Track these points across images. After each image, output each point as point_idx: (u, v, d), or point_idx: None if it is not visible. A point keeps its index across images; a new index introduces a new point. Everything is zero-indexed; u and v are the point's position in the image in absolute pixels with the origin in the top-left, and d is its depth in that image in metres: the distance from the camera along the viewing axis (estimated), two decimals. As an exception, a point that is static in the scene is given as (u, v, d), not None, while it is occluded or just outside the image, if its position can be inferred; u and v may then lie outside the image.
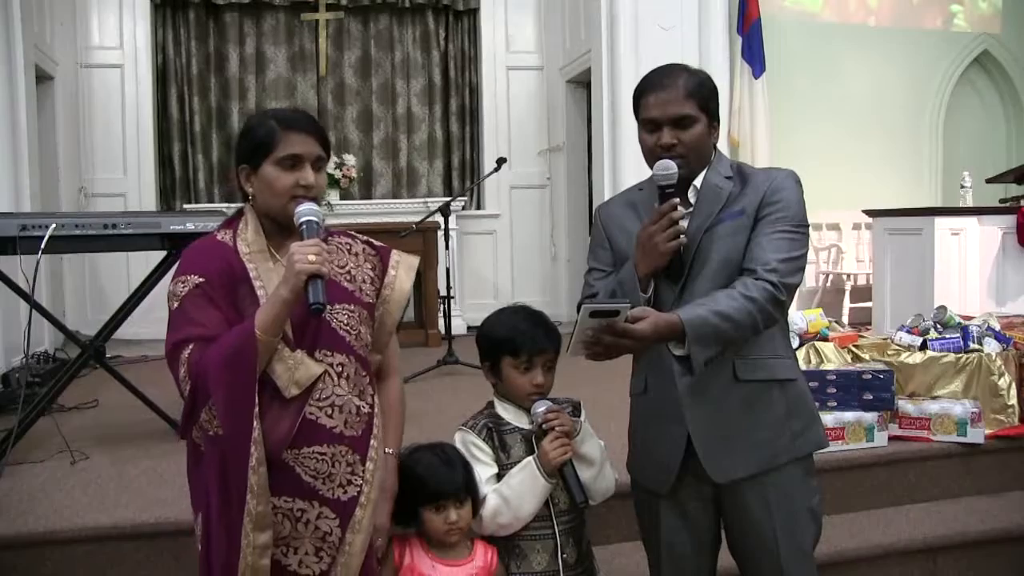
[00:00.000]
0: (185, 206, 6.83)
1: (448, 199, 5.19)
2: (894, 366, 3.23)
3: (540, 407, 1.88)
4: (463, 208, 6.84)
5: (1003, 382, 3.21)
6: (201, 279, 1.66)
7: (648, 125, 1.79)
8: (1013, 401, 3.22)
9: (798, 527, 1.81)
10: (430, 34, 7.37)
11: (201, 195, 6.97)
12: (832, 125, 6.54)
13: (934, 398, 3.21)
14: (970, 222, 4.95)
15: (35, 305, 3.06)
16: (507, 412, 1.96)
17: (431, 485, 1.82)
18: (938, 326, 3.46)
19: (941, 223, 4.89)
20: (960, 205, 5.38)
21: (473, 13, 7.37)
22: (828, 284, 6.41)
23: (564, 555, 1.90)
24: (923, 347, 3.34)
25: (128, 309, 3.39)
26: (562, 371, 1.98)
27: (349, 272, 1.77)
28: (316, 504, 1.65)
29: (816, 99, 6.55)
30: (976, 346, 3.31)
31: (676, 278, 1.76)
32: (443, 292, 5.09)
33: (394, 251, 1.89)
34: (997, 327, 3.50)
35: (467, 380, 4.33)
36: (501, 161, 5.00)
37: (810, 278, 6.38)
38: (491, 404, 2.00)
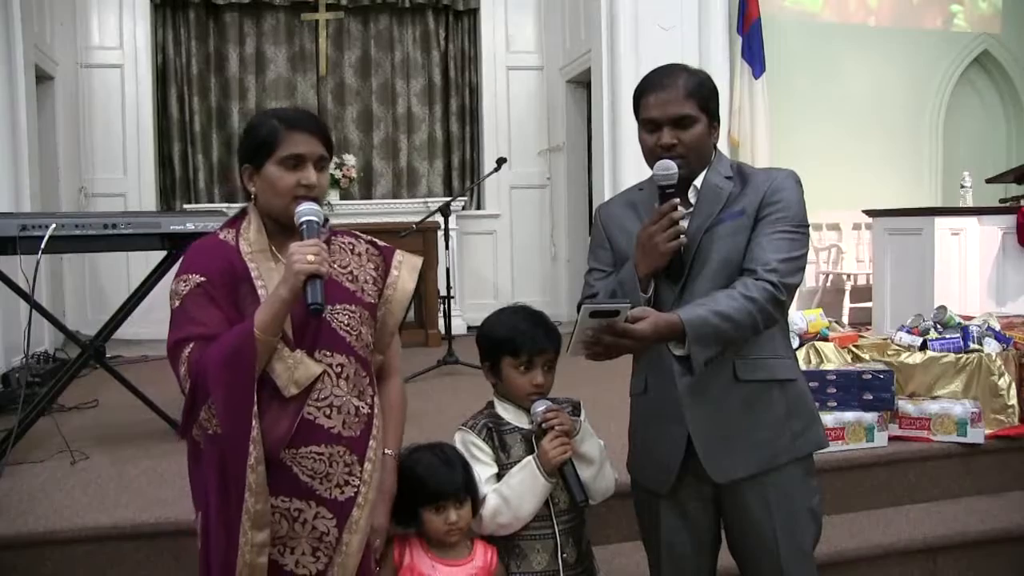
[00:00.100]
0: (185, 206, 6.83)
1: (448, 199, 5.19)
2: (894, 366, 3.23)
3: (539, 406, 1.88)
4: (463, 208, 6.84)
5: (1003, 382, 3.21)
6: (202, 278, 1.66)
7: (648, 125, 1.79)
8: (1013, 401, 3.22)
9: (798, 527, 1.81)
10: (430, 34, 7.37)
11: (201, 195, 6.97)
12: (832, 125, 6.54)
13: (934, 398, 3.21)
14: (970, 222, 4.96)
15: (35, 305, 3.06)
16: (507, 412, 1.96)
17: (431, 485, 1.82)
18: (938, 326, 3.46)
19: (941, 223, 4.89)
20: (960, 205, 5.38)
21: (473, 13, 7.37)
22: (828, 284, 6.41)
23: (564, 555, 1.90)
24: (923, 347, 3.34)
25: (128, 309, 3.39)
26: (562, 371, 1.98)
27: (351, 272, 1.77)
28: (313, 504, 1.65)
29: (816, 99, 6.55)
30: (976, 346, 3.31)
31: (676, 278, 1.76)
32: (443, 292, 5.09)
33: (397, 251, 1.89)
34: (997, 327, 3.50)
35: (467, 380, 4.33)
36: (501, 161, 5.00)
37: (810, 278, 6.38)
38: (491, 404, 2.00)
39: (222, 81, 7.07)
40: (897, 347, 3.40)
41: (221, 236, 1.75)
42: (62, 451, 3.13)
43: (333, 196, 6.74)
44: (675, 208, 1.71)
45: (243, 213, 1.78)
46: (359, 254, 1.81)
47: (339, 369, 1.68)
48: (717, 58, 5.91)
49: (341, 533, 1.66)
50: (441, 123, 7.44)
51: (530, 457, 1.87)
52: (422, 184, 7.39)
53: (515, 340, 1.91)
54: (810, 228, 1.82)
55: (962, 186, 5.47)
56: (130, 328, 3.76)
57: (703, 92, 1.78)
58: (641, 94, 1.80)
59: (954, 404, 3.15)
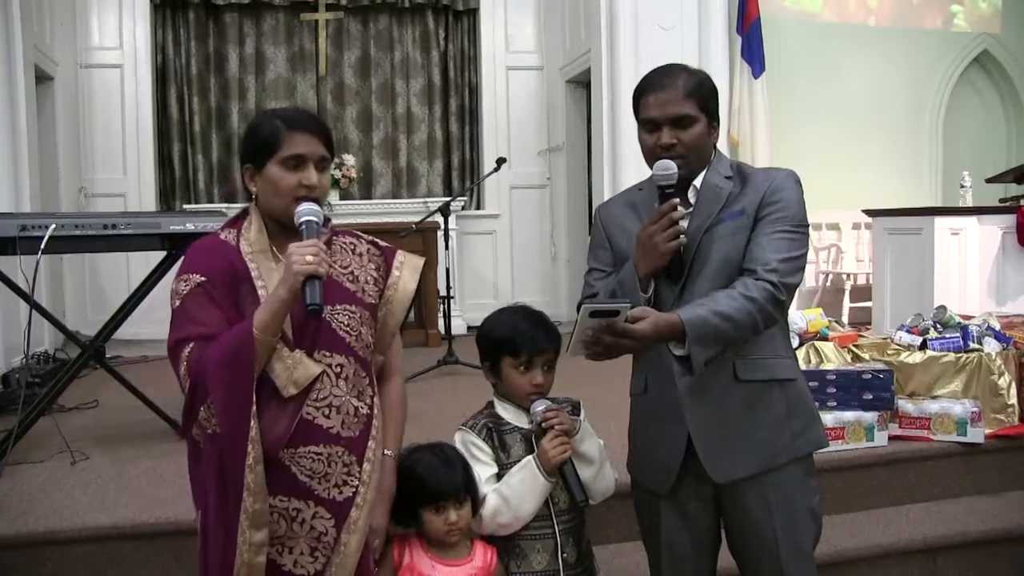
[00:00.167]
0: (185, 206, 6.83)
1: (448, 199, 5.19)
2: (894, 366, 3.23)
3: (539, 406, 1.88)
4: (463, 208, 6.84)
5: (1003, 382, 3.21)
6: (203, 278, 1.66)
7: (648, 125, 1.79)
8: (1013, 401, 3.22)
9: (798, 527, 1.81)
10: (430, 34, 7.37)
11: (201, 195, 6.97)
12: (832, 125, 6.54)
13: (934, 398, 3.21)
14: (970, 222, 4.95)
15: (35, 305, 3.06)
16: (507, 412, 1.96)
17: (431, 485, 1.82)
18: (938, 326, 3.46)
19: (941, 223, 4.89)
20: (960, 205, 5.38)
21: (473, 13, 7.37)
22: (828, 284, 6.41)
23: (564, 555, 1.90)
24: (923, 347, 3.34)
25: (128, 309, 3.39)
26: (562, 371, 1.98)
27: (352, 273, 1.77)
28: (312, 504, 1.65)
29: (816, 99, 6.55)
30: (976, 346, 3.31)
31: (676, 278, 1.76)
32: (443, 292, 5.09)
33: (399, 251, 1.89)
34: (997, 327, 3.50)
35: (467, 380, 4.33)
36: (501, 161, 5.00)
37: (810, 278, 6.38)
38: (491, 404, 2.00)
39: (222, 81, 7.07)
40: (897, 347, 3.40)
41: (222, 236, 1.76)
42: (62, 451, 3.13)
43: (333, 196, 6.74)
44: (675, 208, 1.71)
45: (244, 213, 1.78)
46: (360, 254, 1.81)
47: (338, 369, 1.68)
48: (717, 58, 5.91)
49: (339, 533, 1.66)
50: (441, 123, 7.44)
51: (530, 457, 1.87)
52: (422, 184, 7.39)
53: (515, 340, 1.91)
54: (810, 228, 1.82)
55: (962, 186, 5.47)
56: (130, 328, 3.76)
57: (703, 92, 1.78)
58: (641, 94, 1.80)
59: (954, 404, 3.15)
